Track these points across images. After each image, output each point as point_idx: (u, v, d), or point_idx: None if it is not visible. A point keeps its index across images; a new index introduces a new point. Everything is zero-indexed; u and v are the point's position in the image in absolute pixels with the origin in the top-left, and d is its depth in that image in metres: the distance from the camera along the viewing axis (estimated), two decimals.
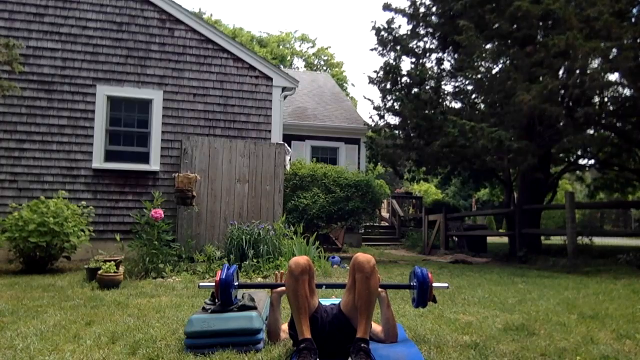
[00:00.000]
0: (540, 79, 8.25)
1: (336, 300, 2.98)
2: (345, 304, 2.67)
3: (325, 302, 2.98)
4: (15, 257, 6.49)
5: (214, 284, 2.79)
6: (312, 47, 38.95)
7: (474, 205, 24.11)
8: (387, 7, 11.98)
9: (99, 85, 8.22)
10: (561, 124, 8.87)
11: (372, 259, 2.59)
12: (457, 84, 11.81)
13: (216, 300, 2.84)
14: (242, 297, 2.98)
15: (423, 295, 2.79)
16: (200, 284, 3.06)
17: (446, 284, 3.12)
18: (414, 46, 12.14)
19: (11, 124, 7.82)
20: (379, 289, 2.74)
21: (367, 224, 14.27)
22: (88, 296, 4.48)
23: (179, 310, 3.83)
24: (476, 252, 11.57)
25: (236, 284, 2.90)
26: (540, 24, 8.97)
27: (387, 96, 12.23)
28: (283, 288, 2.77)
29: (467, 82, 11.11)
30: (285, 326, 2.90)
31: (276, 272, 3.18)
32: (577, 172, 13.67)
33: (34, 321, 3.41)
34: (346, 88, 35.84)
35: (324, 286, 3.20)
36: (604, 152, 11.12)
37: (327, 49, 38.77)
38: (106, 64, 8.30)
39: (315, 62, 38.28)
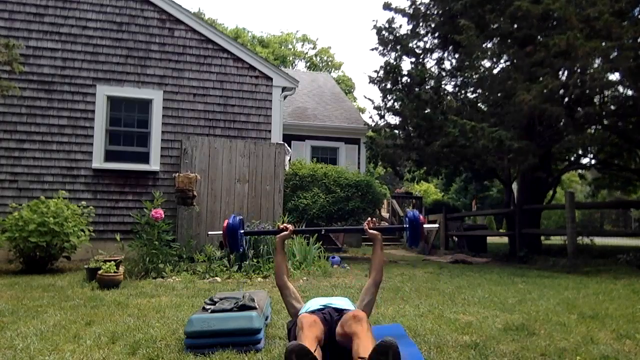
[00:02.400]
0: (541, 79, 8.23)
1: (342, 302, 2.88)
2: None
3: (332, 302, 2.85)
4: (15, 257, 6.49)
5: (221, 232, 2.99)
6: (313, 48, 38.98)
7: (474, 205, 24.09)
8: (387, 7, 11.96)
9: (99, 85, 8.22)
10: (561, 123, 8.86)
11: (361, 315, 2.41)
12: (457, 84, 11.81)
13: (215, 299, 2.85)
14: (243, 297, 2.99)
15: (415, 234, 2.90)
16: (209, 232, 3.39)
17: (436, 225, 3.33)
18: (414, 46, 12.13)
19: (11, 124, 7.82)
20: (375, 232, 2.88)
21: None
22: (88, 296, 4.48)
23: (179, 310, 3.83)
24: (476, 252, 11.56)
25: (242, 231, 3.10)
26: (541, 24, 8.97)
27: (388, 96, 12.22)
28: (286, 233, 2.97)
29: (467, 81, 11.10)
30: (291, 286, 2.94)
31: (278, 224, 3.28)
32: (578, 171, 13.66)
33: (34, 321, 3.41)
34: (351, 90, 35.69)
35: (323, 230, 3.34)
36: (604, 152, 11.11)
37: (328, 49, 38.80)
38: (106, 64, 8.30)
39: (318, 63, 38.28)
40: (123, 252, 6.52)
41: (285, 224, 3.11)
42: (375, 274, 2.92)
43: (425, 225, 2.92)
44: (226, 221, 3.01)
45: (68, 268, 6.73)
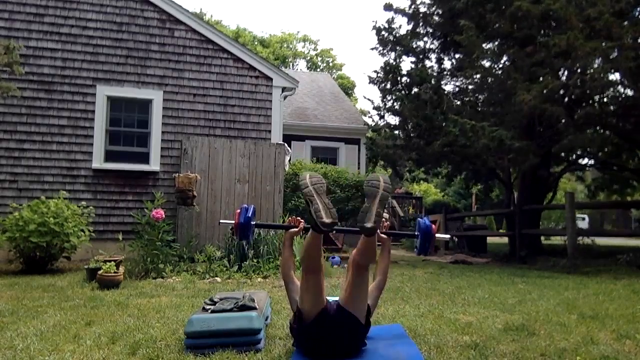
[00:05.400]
0: (541, 79, 8.23)
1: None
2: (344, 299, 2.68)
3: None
4: (16, 257, 6.49)
5: (233, 221, 3.00)
6: (315, 49, 38.98)
7: (473, 205, 24.10)
8: (387, 7, 11.98)
9: (99, 85, 8.21)
10: (562, 124, 8.86)
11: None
12: (457, 84, 11.81)
13: (215, 299, 2.85)
14: (243, 297, 2.98)
15: (426, 244, 2.93)
16: (221, 221, 3.43)
17: (448, 235, 3.29)
18: (414, 46, 12.14)
19: (11, 124, 7.82)
20: (385, 237, 2.99)
21: None
22: (88, 296, 4.48)
23: (179, 311, 3.83)
24: (476, 253, 11.56)
25: (253, 223, 3.11)
26: (541, 24, 8.96)
27: (387, 96, 12.23)
28: (295, 230, 2.95)
29: (467, 81, 11.10)
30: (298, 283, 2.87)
31: (289, 218, 3.19)
32: (578, 172, 13.65)
33: (34, 321, 3.41)
34: (351, 93, 35.62)
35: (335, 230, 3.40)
36: (604, 152, 11.10)
37: (329, 50, 38.80)
38: (106, 64, 8.30)
39: (318, 63, 38.27)
40: (123, 252, 6.52)
41: (297, 218, 3.04)
42: (380, 277, 2.92)
43: (437, 236, 2.92)
44: (238, 211, 2.99)
45: (68, 268, 6.73)
